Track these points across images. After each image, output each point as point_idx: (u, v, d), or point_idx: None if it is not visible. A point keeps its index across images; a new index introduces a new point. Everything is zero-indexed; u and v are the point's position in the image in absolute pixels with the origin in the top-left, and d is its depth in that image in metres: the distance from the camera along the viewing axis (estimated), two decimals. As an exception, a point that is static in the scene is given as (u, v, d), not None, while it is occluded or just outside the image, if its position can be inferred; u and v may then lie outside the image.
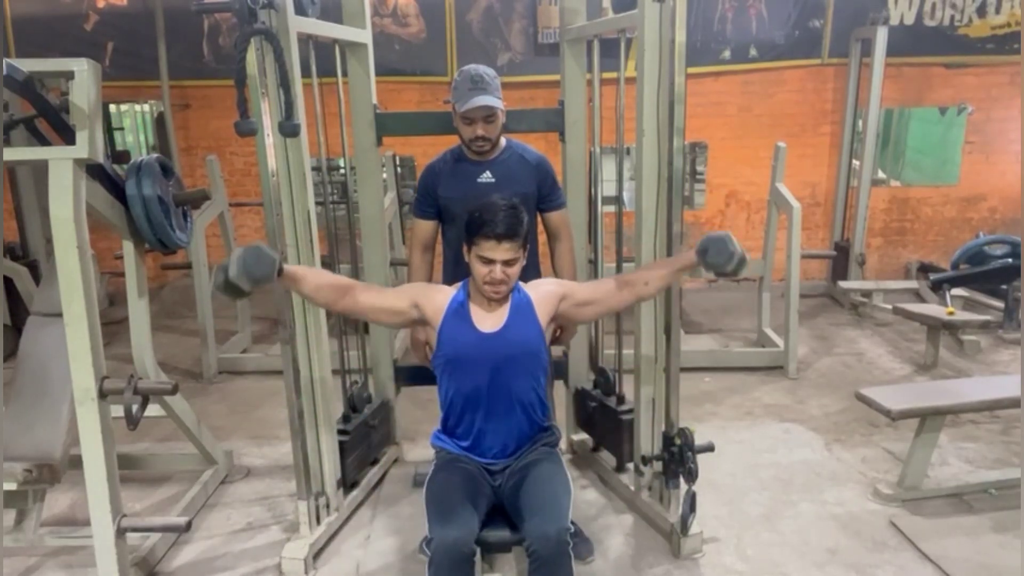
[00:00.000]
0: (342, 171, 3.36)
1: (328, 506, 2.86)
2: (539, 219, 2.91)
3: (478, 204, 2.18)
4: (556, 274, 2.95)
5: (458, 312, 2.20)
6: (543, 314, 2.23)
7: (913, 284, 5.97)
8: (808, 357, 4.85)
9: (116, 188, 2.56)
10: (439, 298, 2.23)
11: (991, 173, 6.55)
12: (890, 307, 5.17)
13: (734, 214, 6.67)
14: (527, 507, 2.11)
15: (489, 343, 2.17)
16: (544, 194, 2.82)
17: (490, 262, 2.10)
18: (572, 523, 2.11)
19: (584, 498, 3.14)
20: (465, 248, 2.18)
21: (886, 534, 2.85)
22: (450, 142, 2.92)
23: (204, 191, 2.98)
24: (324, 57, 2.93)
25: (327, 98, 3.02)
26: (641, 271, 2.42)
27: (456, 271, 2.79)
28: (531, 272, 2.86)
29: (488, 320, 2.20)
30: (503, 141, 2.79)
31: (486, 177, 2.75)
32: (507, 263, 2.12)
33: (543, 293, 2.26)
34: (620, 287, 2.27)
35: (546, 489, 2.15)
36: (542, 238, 2.94)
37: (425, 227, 2.89)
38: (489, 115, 2.62)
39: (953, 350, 4.88)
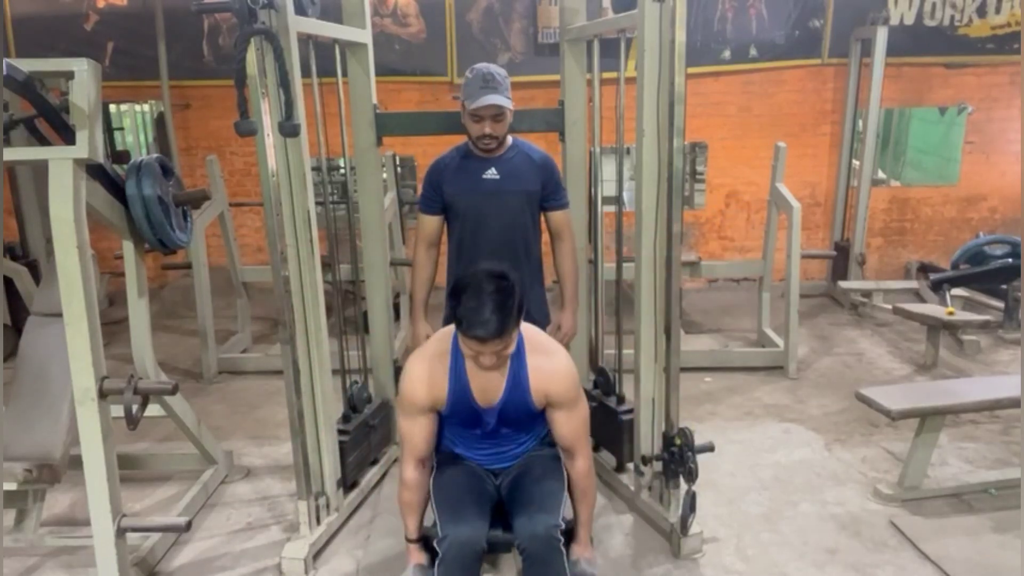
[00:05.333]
0: (342, 171, 3.36)
1: (328, 506, 2.86)
2: (543, 218, 2.91)
3: (465, 276, 2.02)
4: (557, 273, 2.95)
5: (459, 389, 2.12)
6: (537, 398, 2.14)
7: (913, 284, 5.97)
8: (808, 357, 4.85)
9: (116, 188, 2.56)
10: (437, 388, 2.12)
11: (991, 173, 6.54)
12: (890, 307, 5.16)
13: (734, 214, 6.67)
14: (518, 505, 2.13)
15: (488, 415, 2.16)
16: (548, 192, 2.84)
17: (479, 352, 1.99)
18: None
19: (584, 498, 3.14)
20: (455, 326, 2.03)
21: (886, 534, 2.85)
22: (449, 141, 2.93)
23: (204, 191, 2.98)
24: (324, 57, 2.93)
25: (327, 98, 3.02)
26: (581, 492, 2.26)
27: (459, 267, 2.83)
28: (535, 272, 2.88)
29: (487, 389, 2.12)
30: (509, 139, 2.81)
31: (491, 174, 2.76)
32: (498, 351, 1.99)
33: (543, 380, 2.12)
34: (567, 457, 2.23)
35: (537, 488, 2.16)
36: (545, 236, 2.94)
37: (430, 223, 2.88)
38: (498, 114, 2.64)
39: (953, 350, 4.88)
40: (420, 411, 2.15)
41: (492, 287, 1.93)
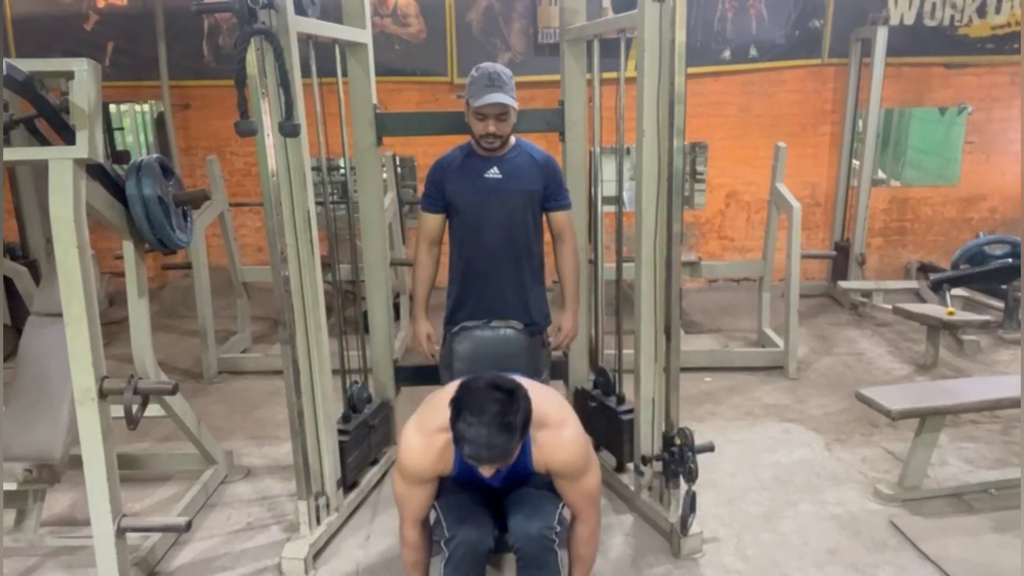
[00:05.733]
0: (342, 171, 3.36)
1: (328, 506, 2.86)
2: (544, 218, 2.92)
3: (468, 389, 1.89)
4: (559, 274, 2.96)
5: (463, 463, 2.04)
6: (539, 469, 2.09)
7: (913, 284, 5.97)
8: (808, 357, 4.85)
9: (116, 188, 2.56)
10: (443, 463, 2.07)
11: (991, 173, 6.54)
12: (890, 307, 5.16)
13: (734, 214, 6.67)
14: (514, 506, 2.13)
15: (492, 480, 2.10)
16: (550, 193, 2.85)
17: (477, 465, 1.92)
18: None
19: (584, 498, 3.14)
20: (454, 441, 1.92)
21: (886, 534, 2.85)
22: (449, 141, 2.93)
23: (204, 191, 2.98)
24: (324, 57, 2.93)
25: (327, 98, 3.02)
26: (576, 556, 2.21)
27: (460, 262, 2.85)
28: (535, 272, 2.88)
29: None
30: (513, 139, 2.81)
31: (493, 173, 2.77)
32: (497, 467, 1.92)
33: (545, 454, 2.05)
34: (575, 525, 2.16)
35: (533, 489, 2.16)
36: (546, 236, 2.94)
37: (432, 220, 2.89)
38: (502, 113, 2.65)
39: (953, 350, 4.88)
40: (423, 482, 2.08)
41: (496, 408, 1.81)
